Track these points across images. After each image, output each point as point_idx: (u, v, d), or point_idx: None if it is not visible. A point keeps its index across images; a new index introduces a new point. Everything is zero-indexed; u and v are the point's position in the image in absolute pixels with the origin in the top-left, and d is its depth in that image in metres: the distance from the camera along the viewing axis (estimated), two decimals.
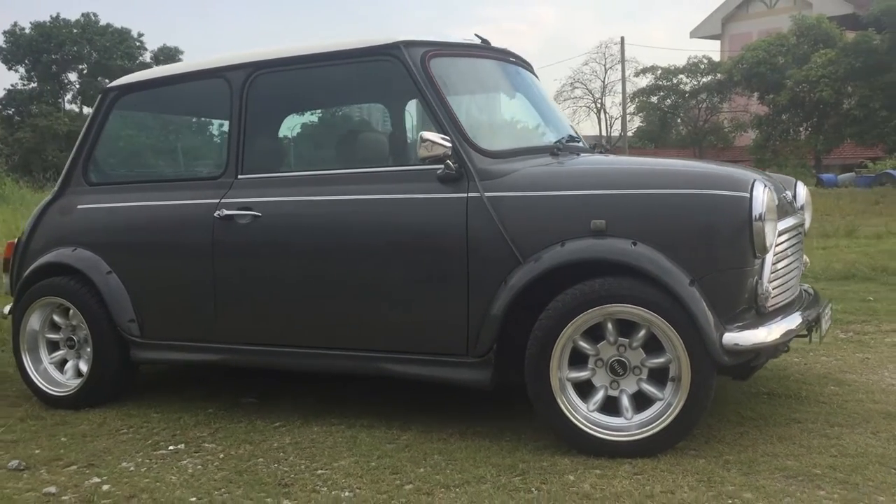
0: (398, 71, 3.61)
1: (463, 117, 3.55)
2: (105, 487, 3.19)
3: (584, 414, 3.21)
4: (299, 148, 4.29)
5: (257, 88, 3.93)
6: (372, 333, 3.61)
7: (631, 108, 38.77)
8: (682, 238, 3.13)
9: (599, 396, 3.23)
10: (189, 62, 4.20)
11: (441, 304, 3.44)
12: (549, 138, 4.02)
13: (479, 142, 3.50)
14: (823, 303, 3.78)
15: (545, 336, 3.19)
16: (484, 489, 2.94)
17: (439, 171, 3.42)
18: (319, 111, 4.57)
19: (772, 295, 3.26)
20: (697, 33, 39.48)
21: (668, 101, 38.06)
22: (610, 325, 3.18)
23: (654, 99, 38.18)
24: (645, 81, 38.38)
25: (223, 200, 3.87)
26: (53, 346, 4.40)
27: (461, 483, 3.00)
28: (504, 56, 4.14)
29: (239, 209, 3.81)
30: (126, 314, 4.09)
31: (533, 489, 2.91)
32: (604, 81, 43.12)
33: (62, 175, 4.44)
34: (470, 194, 3.39)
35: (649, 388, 3.18)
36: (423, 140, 3.32)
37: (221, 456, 3.47)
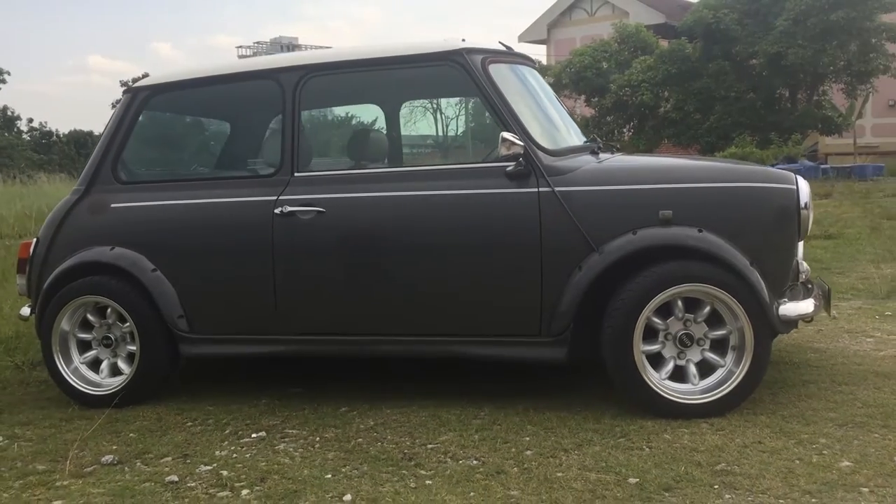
0: (459, 76, 3.90)
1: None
2: (224, 473, 3.28)
3: (658, 382, 3.63)
4: (356, 146, 4.43)
5: (311, 90, 4.08)
6: (448, 319, 3.86)
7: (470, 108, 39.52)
8: (742, 225, 3.61)
9: (670, 367, 3.66)
10: (224, 64, 4.27)
11: (516, 290, 3.75)
12: (577, 138, 4.41)
13: (540, 141, 3.85)
14: (823, 281, 4.37)
15: (628, 314, 3.58)
16: (599, 450, 3.28)
17: (509, 168, 3.74)
18: (376, 112, 4.74)
19: (807, 273, 3.81)
20: (525, 38, 41.01)
21: None
22: (679, 303, 3.62)
23: None
24: None
25: (282, 197, 4.00)
26: (84, 347, 4.36)
27: (575, 447, 3.34)
28: (531, 62, 4.50)
29: (301, 205, 3.97)
30: (175, 310, 4.12)
31: (644, 447, 3.29)
32: None
33: (86, 174, 4.37)
34: (541, 189, 3.72)
35: (712, 357, 3.64)
36: (504, 140, 3.64)
37: (318, 439, 3.61)
